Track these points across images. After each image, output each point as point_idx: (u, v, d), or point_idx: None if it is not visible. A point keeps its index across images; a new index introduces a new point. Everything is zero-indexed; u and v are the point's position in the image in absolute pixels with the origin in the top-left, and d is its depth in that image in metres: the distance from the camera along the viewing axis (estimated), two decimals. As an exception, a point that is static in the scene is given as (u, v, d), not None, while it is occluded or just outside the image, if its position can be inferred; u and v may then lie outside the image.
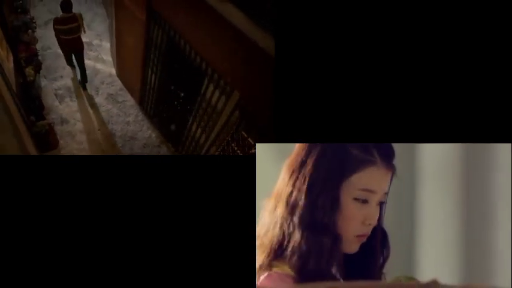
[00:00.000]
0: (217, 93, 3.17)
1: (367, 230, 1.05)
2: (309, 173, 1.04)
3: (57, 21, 4.43)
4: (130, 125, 4.84)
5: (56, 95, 4.91)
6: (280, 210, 1.06)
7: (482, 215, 1.68)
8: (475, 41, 1.26)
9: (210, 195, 1.24)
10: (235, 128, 3.25)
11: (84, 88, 4.98)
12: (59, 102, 4.86)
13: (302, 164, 1.07)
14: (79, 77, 4.99)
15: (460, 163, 1.73)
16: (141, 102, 4.83)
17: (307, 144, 1.08)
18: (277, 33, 1.39)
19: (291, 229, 1.04)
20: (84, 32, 4.61)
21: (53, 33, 5.37)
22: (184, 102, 3.85)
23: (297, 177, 1.06)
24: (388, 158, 1.05)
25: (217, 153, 3.74)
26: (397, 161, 1.10)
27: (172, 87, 3.89)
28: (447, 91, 1.29)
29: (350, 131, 1.36)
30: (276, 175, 1.85)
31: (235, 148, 3.47)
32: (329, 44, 1.34)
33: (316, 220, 1.03)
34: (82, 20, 4.46)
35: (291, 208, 1.05)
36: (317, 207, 1.03)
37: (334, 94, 1.35)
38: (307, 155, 1.07)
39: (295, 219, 1.04)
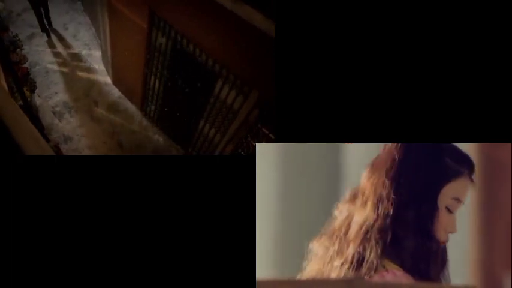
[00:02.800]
0: (233, 93, 3.13)
1: (447, 238, 1.13)
2: (410, 180, 1.09)
3: None
4: (136, 133, 4.76)
5: (54, 112, 4.76)
6: (382, 211, 1.10)
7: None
8: (475, 41, 1.28)
9: (210, 195, 1.25)
10: (254, 125, 3.24)
11: (49, 35, 5.25)
12: (59, 119, 4.72)
13: (399, 169, 1.11)
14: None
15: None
16: (144, 108, 4.74)
17: (398, 146, 1.13)
18: (278, 29, 1.38)
19: (400, 233, 1.09)
20: None
21: (39, 48, 5.21)
22: (194, 104, 3.79)
23: (398, 183, 1.10)
24: (472, 171, 1.12)
25: (234, 150, 3.74)
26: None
27: (180, 91, 3.82)
28: (447, 91, 1.31)
29: (351, 131, 1.39)
30: (276, 175, 1.87)
31: (255, 145, 3.46)
32: (330, 47, 1.35)
33: (423, 226, 1.09)
34: None
35: (396, 211, 1.09)
36: (422, 214, 1.09)
37: (335, 94, 1.37)
38: (403, 159, 1.11)
39: (404, 224, 1.09)
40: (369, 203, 1.11)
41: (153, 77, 4.02)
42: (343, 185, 1.79)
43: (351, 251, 1.11)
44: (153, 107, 4.54)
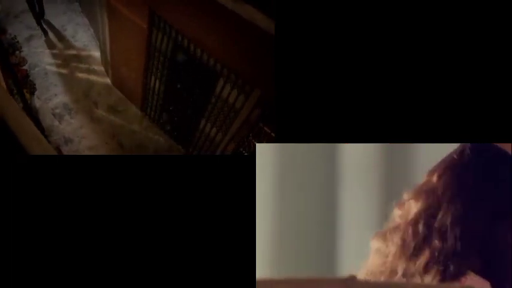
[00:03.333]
0: (234, 93, 3.13)
1: None
2: (489, 183, 1.11)
3: None
4: (136, 134, 4.76)
5: (54, 114, 4.76)
6: (465, 210, 1.10)
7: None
8: (475, 41, 1.27)
9: (210, 195, 1.25)
10: (256, 124, 3.23)
11: (46, 34, 5.28)
12: (59, 121, 4.72)
13: (475, 171, 1.13)
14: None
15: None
16: (144, 109, 4.73)
17: (472, 148, 1.15)
18: (278, 28, 1.38)
19: (483, 233, 1.08)
20: None
21: (38, 49, 5.20)
22: (195, 103, 3.79)
23: (475, 184, 1.12)
24: None
25: (236, 150, 3.74)
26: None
27: (181, 91, 3.82)
28: (447, 91, 1.31)
29: (352, 131, 1.38)
30: (276, 175, 1.87)
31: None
32: (331, 47, 1.35)
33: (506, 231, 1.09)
34: None
35: (476, 212, 1.09)
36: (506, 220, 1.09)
37: (336, 94, 1.36)
38: (477, 162, 1.14)
39: (488, 226, 1.09)
40: (447, 201, 1.11)
41: (153, 77, 4.02)
42: (342, 185, 1.78)
43: (435, 248, 1.09)
44: (153, 107, 4.54)
